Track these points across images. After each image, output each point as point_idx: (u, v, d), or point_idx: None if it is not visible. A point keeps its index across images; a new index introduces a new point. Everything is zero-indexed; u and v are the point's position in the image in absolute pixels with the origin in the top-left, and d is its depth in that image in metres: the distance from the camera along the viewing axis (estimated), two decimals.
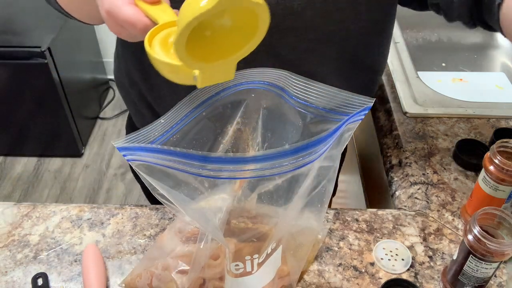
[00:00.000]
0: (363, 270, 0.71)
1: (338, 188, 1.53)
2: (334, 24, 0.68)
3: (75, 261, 0.72)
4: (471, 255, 0.62)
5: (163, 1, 0.51)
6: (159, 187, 0.51)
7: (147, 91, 0.81)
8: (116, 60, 0.90)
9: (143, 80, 0.80)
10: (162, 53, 0.47)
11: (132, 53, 0.80)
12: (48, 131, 2.19)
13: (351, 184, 1.34)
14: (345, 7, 0.66)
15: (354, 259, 0.73)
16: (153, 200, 0.54)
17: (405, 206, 0.82)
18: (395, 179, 0.88)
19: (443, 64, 1.30)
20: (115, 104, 2.58)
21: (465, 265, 0.63)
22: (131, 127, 0.97)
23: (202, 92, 0.57)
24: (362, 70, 0.79)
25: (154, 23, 0.49)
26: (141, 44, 0.49)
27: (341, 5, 0.66)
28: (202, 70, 0.46)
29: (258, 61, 0.59)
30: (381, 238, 0.76)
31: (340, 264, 0.72)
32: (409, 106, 0.99)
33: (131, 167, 0.56)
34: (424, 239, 0.75)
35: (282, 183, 0.55)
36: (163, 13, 0.49)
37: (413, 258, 0.73)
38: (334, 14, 0.67)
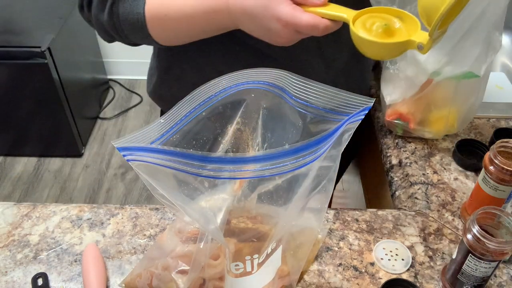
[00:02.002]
0: (363, 270, 0.71)
1: (338, 188, 1.53)
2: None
3: (75, 261, 0.72)
4: (470, 254, 0.62)
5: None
6: (159, 187, 0.51)
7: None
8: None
9: None
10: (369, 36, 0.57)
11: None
12: (48, 131, 2.19)
13: (351, 184, 1.34)
14: None
15: (354, 259, 0.73)
16: None
17: (405, 206, 0.82)
18: (395, 179, 0.88)
19: None
20: (115, 104, 2.58)
21: (464, 264, 0.63)
22: None
23: (202, 92, 0.57)
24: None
25: (332, 22, 0.59)
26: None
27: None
28: (434, 37, 0.55)
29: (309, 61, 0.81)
30: (381, 238, 0.76)
31: (340, 264, 0.72)
32: None
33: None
34: (424, 239, 0.75)
35: (282, 183, 0.55)
36: (339, 9, 0.59)
37: (413, 258, 0.73)
38: None
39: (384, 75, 0.90)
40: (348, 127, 0.54)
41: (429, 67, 0.81)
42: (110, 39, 0.78)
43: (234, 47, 0.80)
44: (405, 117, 0.90)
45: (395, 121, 0.91)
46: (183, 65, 0.86)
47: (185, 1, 0.68)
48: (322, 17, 0.59)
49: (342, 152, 0.56)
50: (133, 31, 0.73)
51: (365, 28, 0.57)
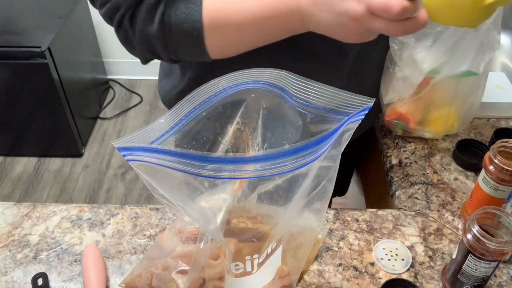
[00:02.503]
0: (363, 270, 0.71)
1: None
2: None
3: (75, 261, 0.72)
4: (470, 254, 0.62)
5: None
6: (159, 187, 0.51)
7: None
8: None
9: None
10: None
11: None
12: (48, 131, 2.19)
13: (351, 184, 1.34)
14: None
15: (354, 259, 0.73)
16: None
17: (405, 206, 0.82)
18: (395, 179, 0.88)
19: None
20: (115, 104, 2.58)
21: (464, 264, 0.63)
22: None
23: (202, 92, 0.57)
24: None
25: (410, 3, 0.53)
26: None
27: None
28: None
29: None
30: (381, 238, 0.76)
31: (340, 264, 0.72)
32: None
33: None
34: (424, 239, 0.75)
35: (282, 183, 0.55)
36: None
37: (413, 258, 0.73)
38: None
39: (383, 76, 0.90)
40: (348, 127, 0.54)
41: (426, 66, 0.81)
42: (150, 57, 0.73)
43: (274, 52, 0.76)
44: (404, 117, 0.90)
45: (395, 121, 0.91)
46: (217, 74, 0.84)
47: (249, 3, 0.64)
48: None
49: (344, 158, 0.56)
50: (185, 42, 0.68)
51: None
